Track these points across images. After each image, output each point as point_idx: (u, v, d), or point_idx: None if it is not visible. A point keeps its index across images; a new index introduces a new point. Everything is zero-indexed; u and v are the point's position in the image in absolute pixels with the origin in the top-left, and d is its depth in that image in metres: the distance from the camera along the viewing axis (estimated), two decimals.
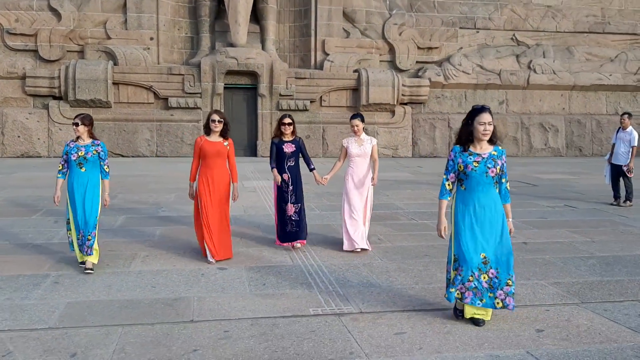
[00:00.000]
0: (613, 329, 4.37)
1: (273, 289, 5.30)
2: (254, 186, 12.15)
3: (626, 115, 10.70)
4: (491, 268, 4.40)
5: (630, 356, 3.87)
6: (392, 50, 20.67)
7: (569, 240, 7.55)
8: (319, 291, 5.23)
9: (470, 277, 4.38)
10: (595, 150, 21.71)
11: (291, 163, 6.70)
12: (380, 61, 20.58)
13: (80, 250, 5.65)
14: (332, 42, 20.14)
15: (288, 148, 6.70)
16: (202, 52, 19.36)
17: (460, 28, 21.51)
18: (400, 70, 20.49)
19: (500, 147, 4.54)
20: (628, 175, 10.42)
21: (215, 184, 6.08)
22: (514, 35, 21.96)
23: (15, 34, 18.20)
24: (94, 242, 5.60)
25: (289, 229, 6.65)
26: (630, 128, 10.61)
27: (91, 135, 5.85)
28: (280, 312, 4.66)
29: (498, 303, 4.41)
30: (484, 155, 4.43)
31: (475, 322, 4.44)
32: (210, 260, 5.99)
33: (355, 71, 19.84)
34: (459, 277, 4.40)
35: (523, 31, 22.03)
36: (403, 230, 8.00)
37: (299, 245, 6.76)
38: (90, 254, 5.59)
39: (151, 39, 18.82)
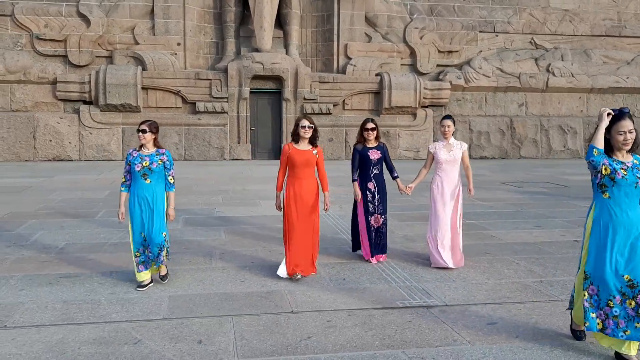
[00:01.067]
0: None
1: (354, 284, 5.58)
2: None
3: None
4: (639, 294, 3.76)
5: None
6: (413, 54, 20.97)
7: None
8: (397, 286, 5.51)
9: (609, 302, 3.80)
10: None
11: (376, 171, 6.25)
12: (402, 65, 20.88)
13: (145, 265, 5.31)
14: (354, 47, 20.45)
15: (374, 155, 6.23)
16: (227, 57, 19.68)
17: (480, 32, 21.79)
18: (421, 74, 20.78)
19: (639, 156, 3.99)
20: None
21: (303, 195, 5.63)
22: (532, 38, 22.25)
23: (44, 39, 18.54)
24: (162, 254, 5.28)
25: (377, 242, 6.26)
26: None
27: (156, 143, 5.42)
28: (371, 304, 4.95)
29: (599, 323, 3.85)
30: (628, 164, 3.87)
31: (621, 358, 3.84)
32: (283, 276, 5.60)
33: (377, 75, 20.14)
34: (596, 299, 3.86)
35: (541, 35, 22.32)
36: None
37: (382, 259, 6.36)
38: (161, 263, 5.34)
39: (178, 44, 19.16)
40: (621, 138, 3.83)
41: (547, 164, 19.06)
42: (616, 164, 3.85)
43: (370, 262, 6.23)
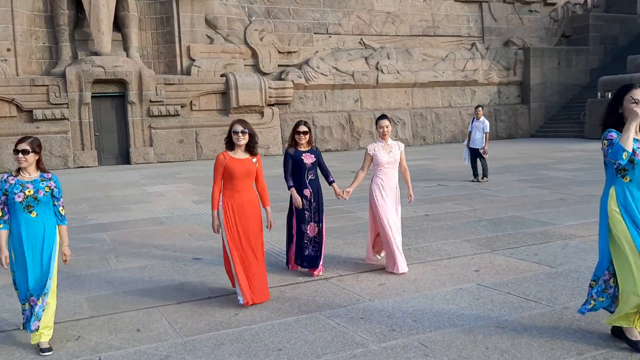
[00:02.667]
0: (524, 265, 5.93)
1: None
2: (159, 191, 12.51)
3: (480, 107, 12.94)
4: None
5: (544, 280, 5.40)
6: (254, 54, 21.73)
7: (457, 209, 9.26)
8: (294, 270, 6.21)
9: None
10: (436, 139, 24.73)
11: (312, 176, 5.79)
12: (245, 65, 21.55)
13: (25, 325, 4.14)
14: (197, 48, 20.67)
15: (307, 159, 5.78)
16: (63, 61, 18.78)
17: (315, 33, 23.22)
18: (264, 74, 21.63)
19: None
20: (484, 156, 12.64)
21: (246, 211, 4.92)
22: (361, 39, 24.21)
23: None
24: (43, 308, 4.07)
25: (309, 252, 5.76)
26: (482, 117, 12.84)
27: (40, 166, 4.29)
28: (278, 283, 5.57)
29: None
30: None
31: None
32: (241, 303, 4.89)
33: (222, 75, 20.59)
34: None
35: (369, 35, 24.37)
36: (334, 214, 9.18)
37: (318, 272, 5.76)
38: (34, 329, 4.04)
39: (8, 50, 17.90)
40: (635, 107, 3.55)
41: None
42: (634, 143, 3.58)
43: (320, 274, 5.74)
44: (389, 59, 24.16)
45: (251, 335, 4.21)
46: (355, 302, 4.89)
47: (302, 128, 5.81)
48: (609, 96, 22.60)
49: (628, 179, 3.66)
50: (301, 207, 5.73)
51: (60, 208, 4.30)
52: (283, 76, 21.92)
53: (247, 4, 22.06)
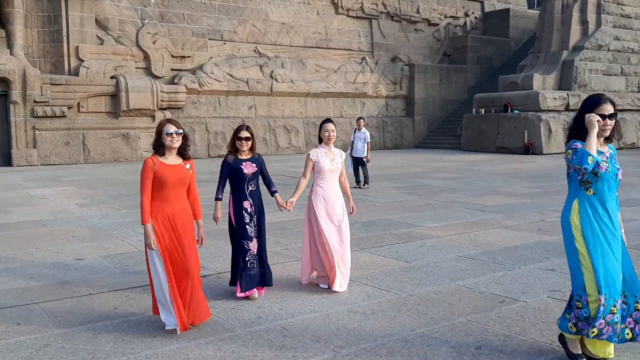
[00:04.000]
0: (384, 260, 6.67)
1: (139, 267, 6.44)
2: (42, 194, 12.25)
3: (361, 120, 13.86)
4: (623, 293, 3.60)
5: (398, 273, 6.15)
6: (147, 57, 21.57)
7: None
8: None
9: (613, 309, 3.50)
10: None
11: (253, 187, 5.27)
12: (137, 68, 21.34)
13: None
14: (86, 49, 20.21)
15: (248, 168, 5.25)
16: None
17: (210, 39, 23.43)
18: (157, 77, 21.53)
19: (613, 145, 3.80)
20: (367, 164, 13.56)
21: (179, 225, 4.38)
22: (256, 47, 24.73)
23: None
24: None
25: (254, 273, 5.22)
26: (364, 129, 13.77)
27: None
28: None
29: (628, 334, 3.62)
30: (606, 154, 3.65)
31: None
32: (171, 330, 4.37)
33: (112, 77, 20.27)
34: (602, 310, 3.48)
35: (264, 44, 24.94)
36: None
37: (256, 295, 5.25)
38: None
39: None
40: (601, 123, 3.55)
41: (276, 159, 21.59)
42: (597, 156, 3.53)
43: (249, 298, 5.19)
44: (283, 68, 24.84)
45: (129, 326, 4.55)
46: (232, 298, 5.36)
47: (244, 133, 5.25)
48: (483, 112, 24.73)
49: (591, 192, 3.59)
50: (217, 222, 5.30)
51: None
52: (176, 80, 21.92)
53: (140, 6, 21.86)
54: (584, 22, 25.13)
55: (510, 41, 31.93)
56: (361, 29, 27.99)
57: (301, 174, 5.65)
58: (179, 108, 21.77)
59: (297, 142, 24.74)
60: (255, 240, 5.26)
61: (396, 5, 28.91)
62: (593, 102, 3.60)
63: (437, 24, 30.40)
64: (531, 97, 23.28)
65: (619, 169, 3.62)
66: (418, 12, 29.63)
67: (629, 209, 9.70)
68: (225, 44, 23.88)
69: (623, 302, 3.58)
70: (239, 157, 5.28)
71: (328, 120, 5.72)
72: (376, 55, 28.25)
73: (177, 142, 4.38)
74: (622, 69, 26.11)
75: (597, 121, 3.47)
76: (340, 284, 5.38)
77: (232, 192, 5.30)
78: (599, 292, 3.47)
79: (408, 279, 5.81)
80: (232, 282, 5.38)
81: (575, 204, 3.60)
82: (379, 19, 28.31)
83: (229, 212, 5.30)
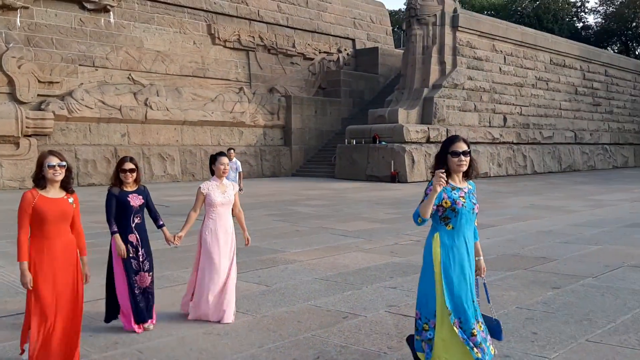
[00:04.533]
0: (246, 285, 7.02)
1: None
2: None
3: (231, 150, 14.24)
4: (476, 319, 3.86)
5: (258, 296, 6.56)
6: (11, 82, 20.57)
7: None
8: None
9: (473, 331, 3.76)
10: (205, 176, 25.69)
11: (138, 220, 5.23)
12: (0, 93, 20.24)
13: None
14: None
15: (135, 201, 5.18)
16: None
17: (80, 65, 22.79)
18: (22, 103, 20.55)
19: (472, 182, 4.06)
20: (239, 192, 13.91)
21: (60, 263, 4.16)
22: (130, 74, 24.38)
23: None
24: None
25: (143, 305, 5.15)
26: (234, 158, 14.16)
27: None
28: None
29: (493, 350, 3.89)
30: (465, 190, 3.91)
31: None
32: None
33: None
34: (462, 332, 3.74)
35: (138, 71, 24.66)
36: None
37: (151, 326, 5.23)
38: None
39: None
40: (456, 159, 3.82)
41: (151, 187, 21.12)
42: (454, 193, 3.84)
43: (135, 331, 5.10)
44: (158, 96, 24.67)
45: None
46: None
47: (128, 165, 5.18)
48: (354, 142, 26.09)
49: (451, 227, 3.83)
50: (125, 256, 5.15)
51: None
52: (43, 106, 21.05)
53: (4, 29, 20.86)
54: (441, 63, 27.51)
55: (379, 77, 34.04)
56: (238, 60, 28.55)
57: (191, 207, 5.65)
58: (46, 135, 20.88)
59: (173, 171, 24.56)
60: (142, 273, 5.21)
61: (272, 39, 29.86)
62: (450, 141, 3.91)
63: (312, 59, 31.75)
64: (397, 130, 24.99)
65: (475, 204, 3.90)
66: (294, 46, 30.78)
67: (481, 231, 10.87)
68: (97, 70, 23.33)
69: (482, 322, 3.86)
70: (124, 189, 5.19)
71: (222, 153, 5.71)
72: (254, 85, 28.90)
73: (60, 175, 4.18)
74: (475, 105, 28.80)
75: (441, 175, 3.64)
76: (231, 316, 5.41)
77: (117, 225, 5.18)
78: (456, 317, 3.73)
79: (265, 301, 6.23)
80: (108, 318, 5.28)
81: (436, 236, 3.85)
82: (255, 51, 29.05)
83: (110, 247, 5.24)
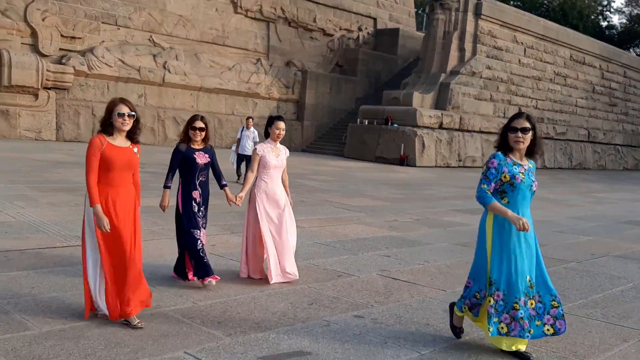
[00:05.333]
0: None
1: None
2: None
3: (250, 119, 14.55)
4: (536, 293, 4.03)
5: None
6: (34, 34, 20.90)
7: (213, 204, 10.62)
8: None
9: (515, 305, 3.90)
10: (217, 144, 26.06)
11: (203, 178, 5.29)
12: (22, 44, 20.62)
13: None
14: None
15: (201, 159, 5.24)
16: None
17: (103, 23, 23.06)
18: (44, 55, 20.90)
19: (533, 161, 4.15)
20: None
21: (122, 211, 4.16)
22: (151, 36, 24.64)
23: None
24: None
25: (206, 260, 5.19)
26: (252, 128, 14.47)
27: None
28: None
29: (548, 330, 4.02)
30: (525, 167, 4.01)
31: (522, 356, 3.97)
32: (102, 313, 4.25)
33: None
34: (502, 305, 3.92)
35: (159, 34, 24.91)
36: None
37: (214, 282, 5.20)
38: None
39: None
40: (513, 135, 3.95)
41: (163, 149, 21.63)
42: (515, 168, 3.96)
43: (204, 283, 5.15)
44: (177, 60, 24.94)
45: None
46: None
47: (199, 124, 5.25)
48: (366, 123, 26.33)
49: (506, 201, 3.94)
50: (164, 210, 5.34)
51: None
52: (64, 61, 21.39)
53: None
54: (461, 50, 27.54)
55: (397, 59, 34.05)
56: (258, 30, 28.70)
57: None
58: (65, 89, 21.26)
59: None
60: (203, 230, 5.26)
61: (294, 12, 29.93)
62: (513, 117, 4.05)
63: (331, 35, 31.81)
64: (410, 113, 25.17)
65: (534, 181, 4.01)
66: (315, 21, 30.84)
67: (477, 216, 11.20)
68: (119, 29, 23.59)
69: (539, 301, 3.98)
70: (192, 146, 5.25)
71: (280, 117, 5.76)
72: (271, 57, 29.06)
73: (128, 125, 4.15)
74: (491, 95, 28.88)
75: (519, 222, 3.81)
76: (276, 275, 5.46)
77: (182, 182, 5.26)
78: (498, 289, 3.89)
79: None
80: (179, 271, 5.36)
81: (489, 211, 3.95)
82: (276, 23, 29.17)
83: (177, 201, 5.27)
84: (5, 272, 5.21)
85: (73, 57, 21.57)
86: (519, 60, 30.72)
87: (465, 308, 4.11)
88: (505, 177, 3.93)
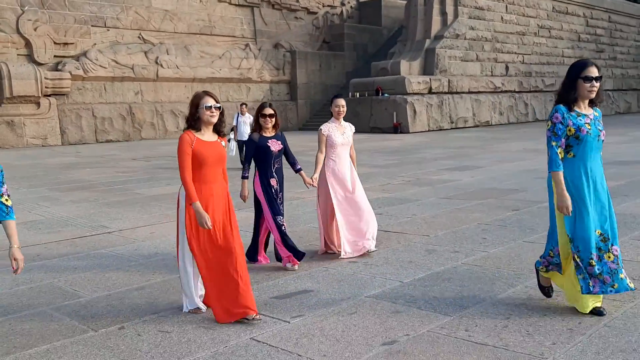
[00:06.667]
0: None
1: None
2: None
3: (244, 105, 15.29)
4: (613, 245, 3.85)
5: None
6: (28, 44, 21.61)
7: None
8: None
9: (590, 261, 3.79)
10: None
11: (278, 165, 5.37)
12: (18, 55, 21.35)
13: None
14: None
15: (274, 146, 5.30)
16: None
17: (92, 26, 23.73)
18: (40, 64, 21.64)
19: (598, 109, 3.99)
20: None
21: (218, 208, 4.09)
22: (140, 34, 25.30)
23: None
24: None
25: (292, 244, 5.32)
26: (247, 114, 15.19)
27: None
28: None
29: (630, 283, 3.89)
30: (590, 117, 3.85)
31: (598, 312, 3.85)
32: (194, 309, 4.24)
33: None
34: (579, 262, 3.81)
35: (148, 31, 25.56)
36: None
37: (296, 267, 5.33)
38: None
39: None
40: (588, 85, 3.76)
41: (165, 142, 22.54)
42: (580, 120, 3.80)
43: (295, 267, 5.31)
44: (168, 54, 25.62)
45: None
46: None
47: (268, 110, 5.31)
48: (358, 95, 27.01)
49: (572, 155, 3.81)
50: (245, 200, 5.43)
51: (5, 198, 3.29)
52: (60, 67, 22.13)
53: None
54: (443, 14, 28.09)
55: (383, 29, 34.58)
56: (244, 16, 29.26)
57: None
58: (64, 94, 22.03)
59: (185, 126, 25.66)
60: (282, 216, 5.38)
61: None
62: (581, 66, 3.81)
63: (315, 13, 32.32)
64: (399, 81, 25.86)
65: (601, 130, 3.84)
66: (297, 1, 31.35)
67: (467, 172, 12.03)
68: (108, 30, 24.25)
69: (616, 255, 3.83)
70: (264, 134, 5.31)
71: (339, 95, 5.90)
72: (259, 42, 29.67)
73: (216, 118, 4.07)
74: (477, 55, 29.47)
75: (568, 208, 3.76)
76: (345, 250, 5.61)
77: (258, 170, 5.34)
78: (574, 246, 3.80)
79: None
80: (251, 257, 5.46)
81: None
82: (260, 7, 29.71)
83: (254, 190, 5.38)
84: (49, 259, 6.09)
85: (68, 62, 22.28)
86: (502, 18, 31.23)
87: (543, 267, 4.08)
88: (570, 130, 3.77)
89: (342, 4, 33.94)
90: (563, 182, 3.76)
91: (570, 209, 3.74)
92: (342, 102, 5.73)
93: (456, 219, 7.31)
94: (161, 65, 25.01)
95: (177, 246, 4.22)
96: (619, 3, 43.32)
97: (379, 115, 26.07)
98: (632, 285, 3.88)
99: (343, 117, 5.80)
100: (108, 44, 24.03)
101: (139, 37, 25.15)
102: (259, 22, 29.79)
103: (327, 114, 30.48)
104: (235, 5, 28.80)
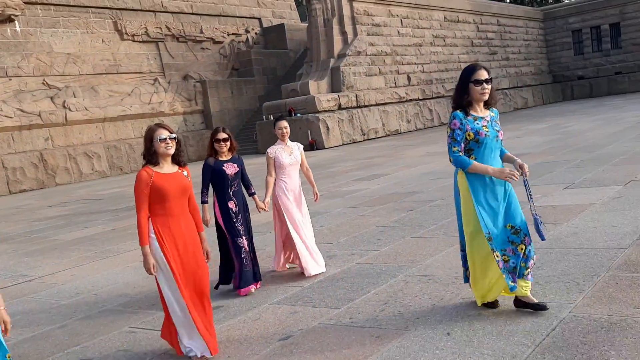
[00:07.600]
0: None
1: None
2: None
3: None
4: (526, 236, 3.94)
5: None
6: None
7: None
8: None
9: (504, 257, 3.91)
10: (133, 168, 26.80)
11: (235, 187, 5.47)
12: None
13: None
14: None
15: (230, 169, 5.41)
16: None
17: None
18: None
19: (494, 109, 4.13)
20: None
21: (187, 241, 4.03)
22: (44, 80, 24.95)
23: None
24: None
25: (249, 269, 5.43)
26: None
27: None
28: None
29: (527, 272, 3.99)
30: (487, 118, 3.97)
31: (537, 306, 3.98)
32: (198, 357, 4.06)
33: None
34: (500, 259, 3.91)
35: (52, 76, 25.25)
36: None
37: (253, 289, 5.51)
38: None
39: None
40: (479, 87, 3.86)
41: (81, 186, 22.32)
42: (477, 123, 3.90)
43: (251, 291, 5.47)
44: (75, 97, 25.38)
45: None
46: None
47: (222, 135, 5.38)
48: (272, 118, 27.70)
49: (474, 158, 3.90)
50: (207, 225, 5.34)
51: None
52: None
53: None
54: (343, 33, 29.38)
55: (289, 52, 35.60)
56: (149, 52, 29.40)
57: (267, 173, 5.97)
58: None
59: (100, 167, 25.51)
60: (244, 237, 5.46)
61: (180, 27, 30.79)
62: (470, 70, 3.92)
63: (221, 42, 32.90)
64: (309, 101, 26.80)
65: (498, 131, 3.96)
66: (202, 32, 31.83)
67: (375, 180, 12.88)
68: (10, 79, 23.79)
69: (529, 243, 3.92)
70: (219, 158, 5.44)
71: (281, 117, 6.01)
72: (168, 75, 29.87)
73: (172, 148, 3.98)
74: (379, 69, 30.96)
75: (514, 175, 3.82)
76: (314, 267, 5.76)
77: (216, 194, 5.47)
78: (492, 244, 3.84)
79: None
80: (222, 282, 5.67)
81: (460, 171, 3.95)
82: (165, 41, 29.96)
83: (215, 214, 5.53)
84: None
85: None
86: (398, 32, 32.97)
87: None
88: (469, 135, 3.88)
89: (247, 31, 34.72)
90: (482, 164, 3.87)
91: (515, 173, 3.81)
92: (284, 123, 5.88)
93: (357, 225, 8.06)
94: (69, 109, 24.76)
95: (161, 294, 4.05)
96: (505, 7, 46.57)
97: (295, 135, 26.72)
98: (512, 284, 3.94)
99: (289, 137, 5.96)
100: (12, 94, 23.57)
101: (43, 83, 24.80)
102: (165, 55, 30.02)
103: (245, 139, 31.02)
104: (140, 42, 28.91)
